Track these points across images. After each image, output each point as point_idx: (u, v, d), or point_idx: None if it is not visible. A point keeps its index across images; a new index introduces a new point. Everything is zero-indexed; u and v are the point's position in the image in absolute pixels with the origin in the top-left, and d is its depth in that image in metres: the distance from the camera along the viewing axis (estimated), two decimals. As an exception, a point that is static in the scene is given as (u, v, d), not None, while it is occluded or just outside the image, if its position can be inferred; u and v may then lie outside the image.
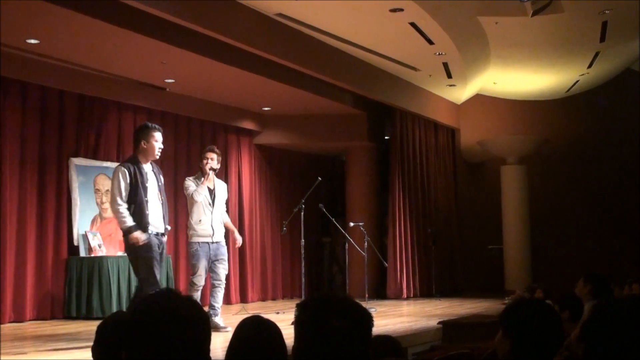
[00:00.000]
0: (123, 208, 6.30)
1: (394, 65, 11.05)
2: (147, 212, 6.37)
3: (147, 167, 6.50)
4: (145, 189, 6.37)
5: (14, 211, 8.48)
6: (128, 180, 6.31)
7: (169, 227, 6.80)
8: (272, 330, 2.72)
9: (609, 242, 13.26)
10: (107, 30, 7.44)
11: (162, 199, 6.59)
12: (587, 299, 5.09)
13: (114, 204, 6.35)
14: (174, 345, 1.72)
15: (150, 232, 6.35)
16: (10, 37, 7.66)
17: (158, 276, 6.31)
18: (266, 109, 11.67)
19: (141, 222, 6.33)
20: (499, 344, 2.46)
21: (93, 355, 2.70)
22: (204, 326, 1.81)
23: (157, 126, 6.58)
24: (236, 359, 2.70)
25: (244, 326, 2.77)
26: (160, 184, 6.61)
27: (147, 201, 6.39)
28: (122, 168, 6.38)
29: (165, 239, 6.61)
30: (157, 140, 6.47)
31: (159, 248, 6.43)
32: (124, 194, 6.30)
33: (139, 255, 6.32)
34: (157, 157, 6.53)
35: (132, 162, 6.44)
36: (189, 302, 1.82)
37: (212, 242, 7.63)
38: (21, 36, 7.62)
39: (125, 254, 9.08)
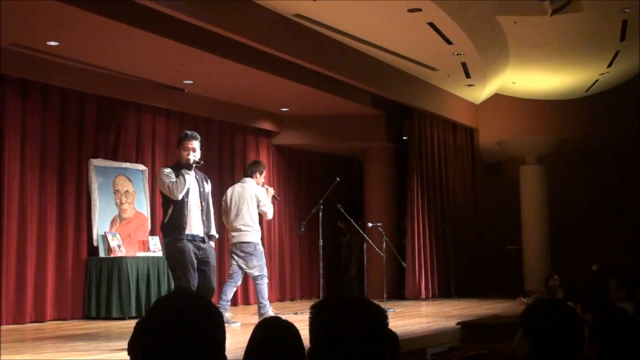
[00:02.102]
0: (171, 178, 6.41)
1: (412, 66, 11.02)
2: (185, 212, 6.42)
3: (190, 173, 6.53)
4: (186, 192, 6.45)
5: (34, 212, 8.54)
6: (173, 173, 6.42)
7: (216, 235, 6.83)
8: (290, 331, 2.72)
9: (629, 241, 13.13)
10: (126, 32, 7.48)
11: (203, 205, 6.60)
12: (622, 301, 5.04)
13: (164, 184, 6.39)
14: (188, 344, 1.72)
15: (185, 235, 6.38)
16: (31, 39, 7.73)
17: (193, 282, 6.27)
18: (284, 109, 11.68)
19: (178, 223, 6.38)
20: (519, 345, 2.45)
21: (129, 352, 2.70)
22: (219, 326, 1.81)
23: (190, 134, 6.61)
24: (254, 360, 2.70)
25: (262, 327, 2.76)
26: (202, 190, 6.63)
27: (186, 202, 6.44)
28: (163, 168, 6.61)
29: (207, 245, 6.59)
30: (186, 147, 6.50)
31: (196, 255, 6.43)
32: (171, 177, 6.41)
33: (174, 261, 6.40)
34: (190, 163, 6.48)
35: (172, 166, 6.58)
36: (203, 301, 1.82)
37: None
38: (41, 38, 7.68)
39: (145, 255, 9.25)
